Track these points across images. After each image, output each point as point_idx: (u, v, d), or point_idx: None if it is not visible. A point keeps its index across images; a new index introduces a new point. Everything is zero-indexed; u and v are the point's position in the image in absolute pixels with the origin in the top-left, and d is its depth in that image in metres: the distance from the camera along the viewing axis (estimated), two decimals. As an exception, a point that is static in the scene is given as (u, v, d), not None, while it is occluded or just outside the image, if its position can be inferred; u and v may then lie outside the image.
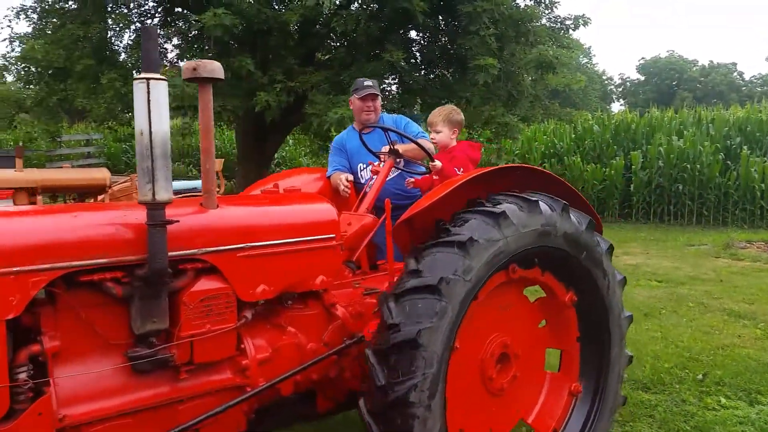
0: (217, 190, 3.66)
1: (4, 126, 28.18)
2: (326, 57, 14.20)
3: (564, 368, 3.57)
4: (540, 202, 3.08)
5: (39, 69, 13.50)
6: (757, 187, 16.08)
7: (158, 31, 14.20)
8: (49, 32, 13.73)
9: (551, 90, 18.26)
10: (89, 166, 17.83)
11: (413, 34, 14.29)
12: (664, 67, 60.37)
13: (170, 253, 2.58)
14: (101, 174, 8.40)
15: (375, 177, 4.36)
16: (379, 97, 4.99)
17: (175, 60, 14.46)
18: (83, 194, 8.04)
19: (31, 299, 2.34)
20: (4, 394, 2.25)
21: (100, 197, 7.51)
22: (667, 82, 59.76)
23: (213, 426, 2.74)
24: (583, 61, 56.37)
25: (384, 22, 12.51)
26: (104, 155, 24.78)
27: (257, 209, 3.22)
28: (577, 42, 39.81)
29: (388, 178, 4.56)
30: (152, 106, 2.40)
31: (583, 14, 14.69)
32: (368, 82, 4.93)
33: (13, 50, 15.14)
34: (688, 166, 16.75)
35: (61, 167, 11.13)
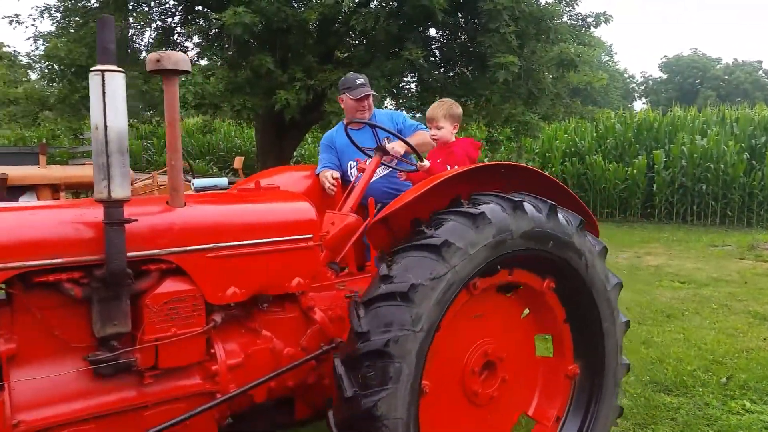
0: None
1: (28, 123, 28.46)
2: (345, 55, 14.18)
3: (557, 352, 3.42)
4: (486, 212, 2.83)
5: (62, 67, 13.64)
6: (782, 187, 15.83)
7: (179, 29, 14.30)
8: (72, 31, 13.88)
9: (572, 88, 18.05)
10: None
11: (432, 31, 14.23)
12: (687, 65, 59.74)
13: (132, 253, 2.49)
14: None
15: (361, 175, 4.18)
16: (372, 95, 4.75)
17: (196, 59, 14.53)
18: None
19: None
20: None
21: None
22: (690, 81, 59.12)
23: None
24: (605, 59, 55.84)
25: (403, 19, 12.46)
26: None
27: (227, 208, 3.07)
28: (599, 40, 39.42)
29: (378, 176, 4.43)
30: (108, 99, 2.30)
31: (605, 11, 14.52)
32: (360, 80, 4.68)
33: (36, 48, 15.34)
34: (712, 165, 16.52)
35: (84, 164, 11.26)
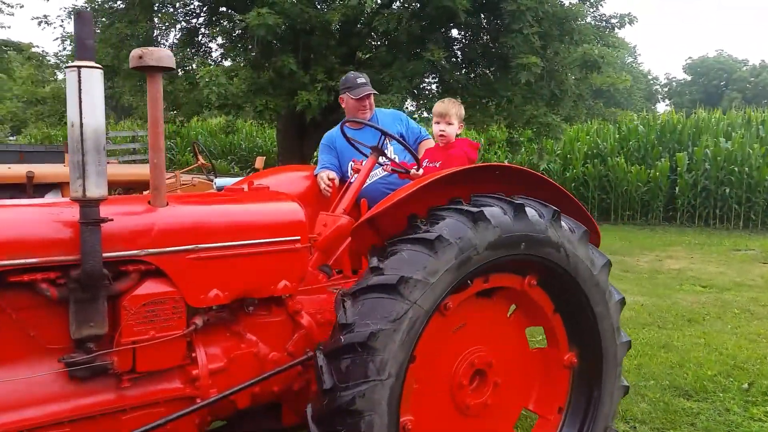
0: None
1: (54, 122, 28.99)
2: (367, 56, 14.23)
3: (551, 343, 3.30)
4: (443, 234, 2.64)
5: (88, 67, 13.83)
6: (808, 191, 15.61)
7: (203, 30, 14.45)
8: (98, 31, 14.09)
9: (595, 90, 17.94)
10: (135, 162, 18.27)
11: (454, 32, 14.23)
12: (712, 66, 59.01)
13: (110, 254, 2.44)
14: (147, 170, 8.61)
15: (357, 175, 4.04)
16: (373, 94, 4.65)
17: (220, 59, 14.68)
18: (129, 189, 8.25)
19: None
20: None
21: (145, 192, 7.69)
22: (714, 83, 58.39)
23: None
24: (629, 60, 55.33)
25: (426, 20, 12.48)
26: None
27: (211, 208, 2.98)
28: (623, 41, 39.09)
29: (377, 177, 4.36)
30: (84, 96, 2.24)
31: (629, 12, 14.42)
32: (362, 79, 4.58)
33: (64, 49, 15.59)
34: (736, 168, 16.34)
35: (108, 163, 11.41)
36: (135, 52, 2.55)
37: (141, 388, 2.59)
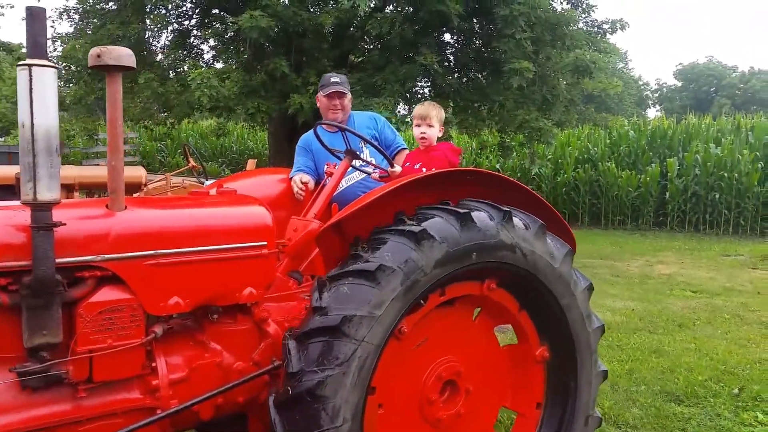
0: None
1: (43, 123, 28.84)
2: (360, 59, 14.23)
3: (521, 339, 3.21)
4: (384, 263, 2.49)
5: (79, 68, 13.77)
6: (797, 198, 15.73)
7: (195, 32, 14.41)
8: (90, 32, 14.01)
9: (586, 95, 18.01)
10: (125, 164, 18.15)
11: (447, 37, 14.25)
12: (702, 73, 59.35)
13: (64, 259, 2.37)
14: (137, 172, 8.58)
15: (330, 179, 3.92)
16: (348, 95, 4.54)
17: (211, 61, 14.63)
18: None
19: None
20: None
21: (135, 195, 7.63)
22: (704, 89, 58.73)
23: None
24: (619, 66, 55.63)
25: (419, 24, 12.49)
26: (139, 153, 25.20)
27: (171, 212, 2.89)
28: (614, 46, 39.30)
29: (353, 181, 4.29)
30: (35, 95, 2.15)
31: (621, 18, 14.51)
32: (335, 78, 4.48)
33: (55, 50, 15.49)
34: (726, 174, 16.46)
35: (98, 165, 11.35)
36: (93, 50, 2.45)
37: (98, 399, 2.50)
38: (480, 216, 2.74)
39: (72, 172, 8.14)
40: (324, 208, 3.75)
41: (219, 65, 14.21)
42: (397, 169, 3.81)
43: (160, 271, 2.61)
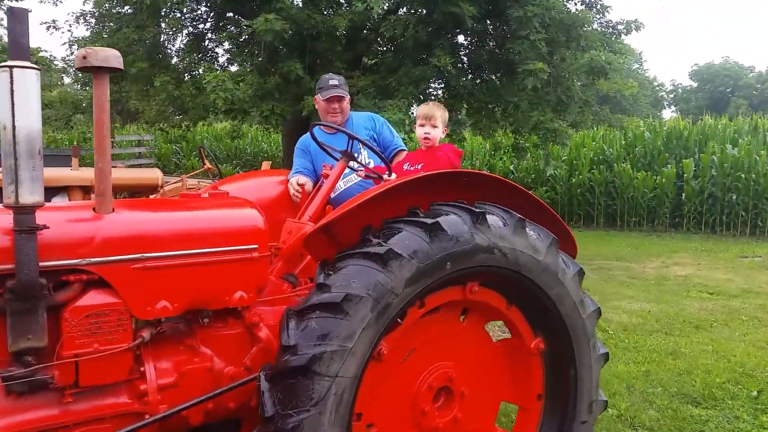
0: None
1: (60, 126, 29.16)
2: (373, 62, 14.25)
3: (514, 334, 3.14)
4: (351, 292, 2.39)
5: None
6: (816, 198, 15.54)
7: (210, 35, 14.50)
8: (106, 36, 14.13)
9: (601, 96, 17.91)
10: (140, 166, 18.34)
11: (461, 38, 14.23)
12: (718, 73, 58.89)
13: (49, 263, 2.36)
14: (154, 174, 8.66)
15: (326, 181, 3.87)
16: (347, 98, 4.50)
17: (226, 64, 14.71)
18: (135, 193, 8.27)
19: None
20: None
21: (151, 196, 7.70)
22: (720, 89, 58.27)
23: None
24: (634, 67, 55.28)
25: (432, 26, 12.49)
26: (155, 156, 25.39)
27: (160, 215, 2.86)
28: (629, 47, 39.06)
29: (353, 183, 4.26)
30: (17, 97, 2.13)
31: (636, 19, 14.41)
32: (334, 81, 4.44)
33: (72, 54, 15.66)
34: (743, 175, 16.28)
35: (114, 167, 11.45)
36: (79, 52, 2.44)
37: (85, 403, 2.49)
38: (451, 222, 2.61)
39: (88, 174, 8.21)
40: (320, 211, 3.68)
41: (234, 68, 14.27)
42: (393, 177, 3.73)
43: (147, 274, 2.60)
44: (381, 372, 2.66)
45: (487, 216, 2.70)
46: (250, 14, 12.09)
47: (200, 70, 13.64)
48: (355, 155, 3.91)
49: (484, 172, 3.01)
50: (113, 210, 2.63)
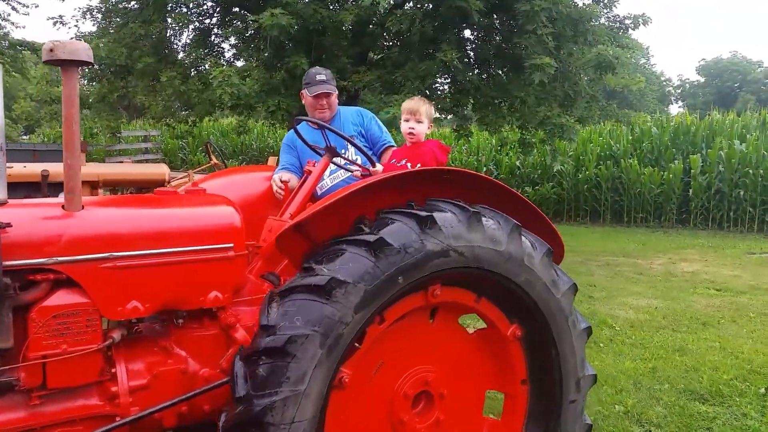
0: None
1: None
2: (379, 56, 14.21)
3: (489, 323, 3.04)
4: (294, 335, 2.27)
5: (102, 66, 13.93)
6: (824, 194, 15.45)
7: (216, 30, 14.51)
8: (112, 31, 14.14)
9: (608, 91, 17.81)
10: (146, 161, 18.37)
11: (467, 33, 14.17)
12: (726, 68, 58.55)
13: (14, 262, 2.30)
14: (161, 170, 8.67)
15: (309, 178, 3.77)
16: (334, 93, 4.43)
17: (232, 59, 14.71)
18: (141, 189, 8.28)
19: None
20: None
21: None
22: (728, 84, 57.95)
23: None
24: (641, 62, 55.01)
25: (439, 21, 12.44)
26: (161, 151, 25.43)
27: (130, 213, 2.79)
28: (636, 42, 38.86)
29: (340, 179, 4.19)
30: None
31: (643, 13, 14.31)
32: (321, 76, 4.37)
33: (78, 49, 15.64)
34: (750, 171, 16.21)
35: (121, 162, 11.48)
36: (46, 45, 2.34)
37: (53, 406, 2.44)
38: (396, 234, 2.47)
39: (95, 170, 8.22)
40: (301, 208, 3.57)
41: (240, 63, 14.27)
42: (379, 168, 3.68)
43: (117, 274, 2.53)
44: (348, 397, 2.59)
45: (437, 217, 2.56)
46: (256, 9, 12.08)
47: (206, 66, 13.64)
48: (342, 152, 3.84)
49: (467, 170, 2.90)
50: (83, 207, 2.58)
